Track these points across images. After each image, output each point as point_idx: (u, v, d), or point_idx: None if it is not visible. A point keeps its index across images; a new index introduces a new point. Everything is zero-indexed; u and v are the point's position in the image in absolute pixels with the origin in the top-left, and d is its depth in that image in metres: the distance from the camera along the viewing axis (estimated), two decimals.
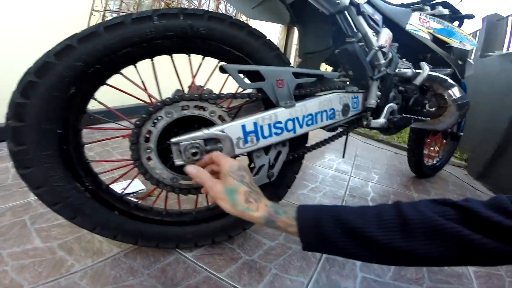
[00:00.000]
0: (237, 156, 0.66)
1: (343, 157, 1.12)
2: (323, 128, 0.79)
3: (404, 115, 1.06)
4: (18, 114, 0.53)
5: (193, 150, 0.54)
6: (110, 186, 0.70)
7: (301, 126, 0.71)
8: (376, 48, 0.89)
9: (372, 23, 0.94)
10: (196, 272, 0.71)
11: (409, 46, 1.18)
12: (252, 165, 0.72)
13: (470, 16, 1.38)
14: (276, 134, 0.68)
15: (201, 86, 0.84)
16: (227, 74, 0.64)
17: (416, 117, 1.12)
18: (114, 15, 2.23)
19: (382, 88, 0.93)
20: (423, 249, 0.35)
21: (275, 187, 0.81)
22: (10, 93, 0.53)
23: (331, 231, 0.40)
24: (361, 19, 0.89)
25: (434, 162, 1.86)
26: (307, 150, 0.82)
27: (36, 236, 0.73)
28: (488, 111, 2.20)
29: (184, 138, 0.58)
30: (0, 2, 1.51)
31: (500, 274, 0.90)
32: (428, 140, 1.78)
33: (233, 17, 0.67)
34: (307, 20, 0.91)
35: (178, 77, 0.72)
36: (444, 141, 1.85)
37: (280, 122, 0.67)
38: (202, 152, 0.58)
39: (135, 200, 0.73)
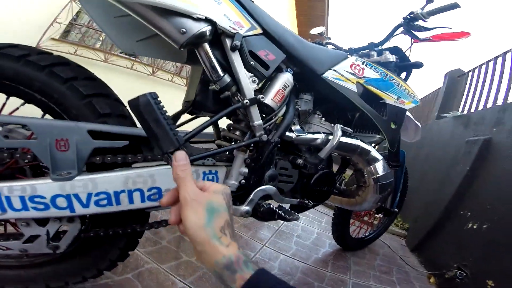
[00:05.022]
0: None
1: None
2: (144, 209, 0.61)
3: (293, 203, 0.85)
4: None
5: None
6: None
7: (86, 206, 0.52)
8: (246, 101, 0.65)
9: (253, 63, 0.67)
10: None
11: (332, 100, 0.92)
12: None
13: (418, 65, 1.13)
14: (36, 209, 0.49)
15: None
16: None
17: (308, 201, 0.86)
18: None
19: (252, 163, 0.70)
20: None
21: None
22: None
23: None
24: (235, 56, 0.65)
25: (367, 234, 1.69)
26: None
27: None
28: (438, 179, 1.99)
29: None
30: None
31: None
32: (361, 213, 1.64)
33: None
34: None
35: None
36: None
37: (42, 197, 0.48)
38: None
39: None
